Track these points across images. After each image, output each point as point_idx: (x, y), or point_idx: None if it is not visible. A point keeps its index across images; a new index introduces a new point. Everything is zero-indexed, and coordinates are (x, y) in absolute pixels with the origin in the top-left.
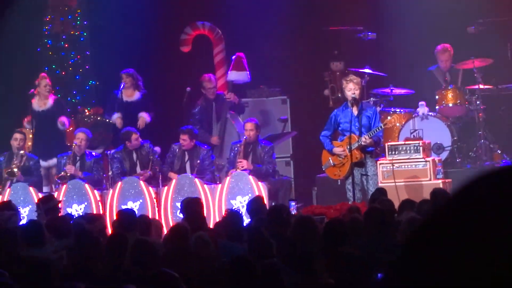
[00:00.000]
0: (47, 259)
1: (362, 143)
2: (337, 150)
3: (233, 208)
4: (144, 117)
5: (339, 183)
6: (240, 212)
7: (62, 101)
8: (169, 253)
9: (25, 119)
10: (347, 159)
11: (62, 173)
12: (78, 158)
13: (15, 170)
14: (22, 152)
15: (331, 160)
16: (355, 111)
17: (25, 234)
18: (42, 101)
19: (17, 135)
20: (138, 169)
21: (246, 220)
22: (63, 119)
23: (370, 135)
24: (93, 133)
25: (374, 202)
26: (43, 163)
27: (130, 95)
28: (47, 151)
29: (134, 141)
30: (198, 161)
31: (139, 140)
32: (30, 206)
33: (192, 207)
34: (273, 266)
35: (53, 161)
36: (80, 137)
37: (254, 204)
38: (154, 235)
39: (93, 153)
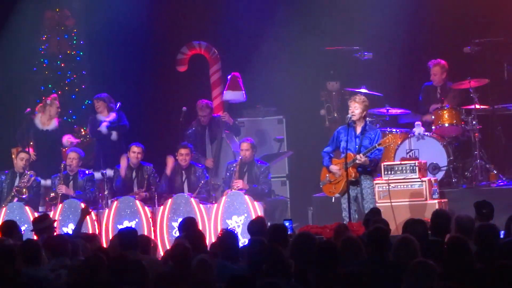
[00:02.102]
0: (43, 278)
1: (357, 161)
2: (333, 167)
3: (228, 227)
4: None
5: (333, 201)
6: (236, 232)
7: (65, 125)
8: (168, 273)
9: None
10: (343, 177)
11: (52, 194)
12: (71, 177)
13: (24, 190)
14: (30, 172)
15: (328, 177)
16: (357, 130)
17: (22, 253)
18: (47, 121)
19: (23, 155)
20: (135, 188)
21: (242, 240)
22: (69, 137)
23: (365, 153)
24: (89, 153)
25: (368, 222)
26: (41, 182)
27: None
28: (46, 170)
29: (132, 153)
30: (196, 176)
31: (137, 156)
32: (26, 225)
33: (192, 226)
34: (273, 285)
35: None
36: (72, 157)
37: (256, 225)
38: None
39: (86, 172)
